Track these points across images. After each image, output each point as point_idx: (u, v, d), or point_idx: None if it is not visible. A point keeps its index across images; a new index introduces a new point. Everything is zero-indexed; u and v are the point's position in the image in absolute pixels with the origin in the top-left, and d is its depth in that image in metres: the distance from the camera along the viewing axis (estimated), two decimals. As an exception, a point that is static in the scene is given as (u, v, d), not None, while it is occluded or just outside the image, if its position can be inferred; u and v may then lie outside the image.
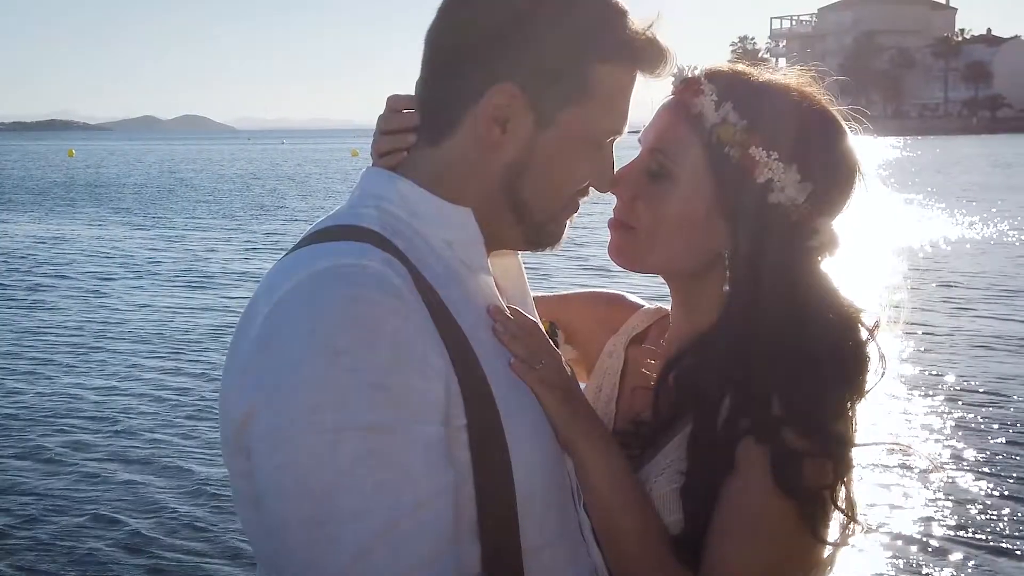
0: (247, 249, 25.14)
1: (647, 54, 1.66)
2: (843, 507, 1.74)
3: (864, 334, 1.81)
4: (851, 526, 1.77)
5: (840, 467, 1.72)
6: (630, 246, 1.90)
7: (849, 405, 1.76)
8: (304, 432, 1.36)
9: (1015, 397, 10.77)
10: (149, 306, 17.05)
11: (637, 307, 2.23)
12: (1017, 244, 23.68)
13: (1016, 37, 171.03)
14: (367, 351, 1.38)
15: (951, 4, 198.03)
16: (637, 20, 1.66)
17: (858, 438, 1.77)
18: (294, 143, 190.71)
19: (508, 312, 1.68)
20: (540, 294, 2.12)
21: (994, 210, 30.81)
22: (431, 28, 1.66)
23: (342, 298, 1.41)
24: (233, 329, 1.55)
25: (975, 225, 27.39)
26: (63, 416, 10.59)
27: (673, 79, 1.87)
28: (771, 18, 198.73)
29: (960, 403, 10.45)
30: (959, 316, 15.07)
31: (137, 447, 9.56)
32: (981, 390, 10.98)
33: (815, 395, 1.72)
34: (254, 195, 45.45)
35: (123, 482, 8.65)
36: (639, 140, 1.92)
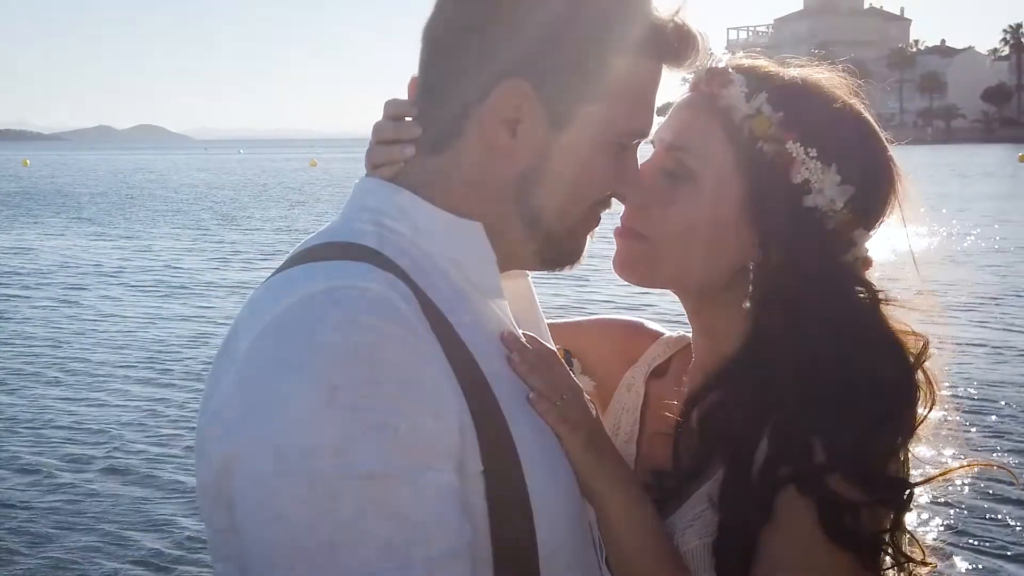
0: (216, 258, 24.98)
1: (675, 44, 1.48)
2: (907, 552, 1.61)
3: (912, 361, 1.63)
4: (920, 569, 1.64)
5: (898, 512, 1.57)
6: (641, 257, 1.70)
7: (900, 442, 1.59)
8: (297, 481, 1.18)
9: (999, 403, 10.82)
10: (121, 316, 16.87)
11: (657, 335, 2.01)
12: (985, 253, 23.95)
13: (970, 48, 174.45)
14: (370, 386, 1.20)
15: (906, 15, 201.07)
16: (662, 5, 1.47)
17: (913, 476, 1.62)
18: (252, 153, 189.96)
19: (524, 340, 1.50)
20: (550, 320, 1.87)
21: (958, 220, 31.14)
22: (428, 22, 1.49)
23: (340, 325, 1.23)
24: (209, 336, 1.37)
25: (942, 235, 27.63)
26: (35, 427, 10.47)
27: (691, 75, 1.71)
28: (727, 29, 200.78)
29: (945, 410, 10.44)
30: (935, 324, 15.16)
31: (112, 457, 9.47)
32: (964, 397, 10.99)
33: (862, 437, 1.53)
34: (216, 204, 45.19)
35: (94, 492, 8.58)
36: (652, 142, 1.72)
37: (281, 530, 1.18)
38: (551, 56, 1.41)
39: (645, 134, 1.53)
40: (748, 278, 1.67)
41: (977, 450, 9.03)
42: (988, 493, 8.01)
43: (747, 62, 1.73)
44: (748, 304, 1.66)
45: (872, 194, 1.68)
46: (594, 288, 17.21)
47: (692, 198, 1.66)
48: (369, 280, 1.29)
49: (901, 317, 1.67)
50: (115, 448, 9.77)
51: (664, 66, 1.50)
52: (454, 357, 1.31)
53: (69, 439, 10.08)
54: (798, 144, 1.62)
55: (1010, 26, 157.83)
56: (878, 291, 1.67)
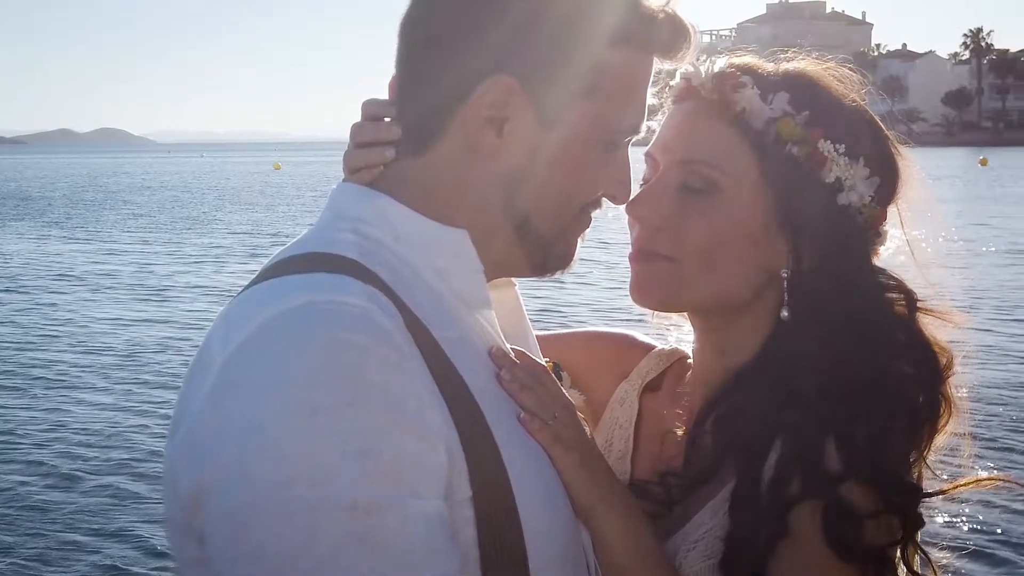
0: (190, 261, 24.90)
1: (666, 36, 1.40)
2: (920, 572, 1.56)
3: (940, 366, 1.59)
4: None
5: (909, 523, 1.51)
6: (669, 281, 1.60)
7: (916, 449, 1.55)
8: (274, 512, 1.09)
9: (981, 404, 10.82)
10: (99, 318, 16.79)
11: (649, 348, 1.91)
12: (958, 256, 24.16)
13: (931, 52, 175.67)
14: (351, 409, 1.12)
15: (867, 20, 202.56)
16: None
17: (927, 486, 1.57)
18: (214, 156, 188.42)
19: (514, 356, 1.42)
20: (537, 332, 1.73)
21: (929, 223, 31.30)
22: (405, 17, 1.41)
23: (319, 343, 1.15)
24: (186, 340, 1.27)
25: (917, 238, 27.70)
26: (21, 430, 10.44)
27: (684, 78, 1.64)
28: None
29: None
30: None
31: (111, 460, 9.47)
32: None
33: (879, 438, 1.48)
34: (182, 207, 45.03)
35: (79, 494, 8.61)
36: (646, 155, 1.65)
37: (258, 565, 1.10)
38: (538, 50, 1.34)
39: (638, 131, 1.45)
40: (774, 288, 1.62)
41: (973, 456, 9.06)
42: (995, 496, 8.05)
43: (739, 61, 1.66)
44: (785, 313, 1.60)
45: (892, 181, 1.66)
46: (573, 291, 17.28)
47: (720, 212, 1.58)
48: (349, 294, 1.22)
49: (932, 329, 1.64)
50: (117, 449, 9.78)
51: (656, 59, 1.44)
52: (440, 375, 1.23)
53: (58, 441, 10.07)
54: (827, 142, 1.57)
55: (971, 30, 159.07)
56: (915, 296, 1.65)
